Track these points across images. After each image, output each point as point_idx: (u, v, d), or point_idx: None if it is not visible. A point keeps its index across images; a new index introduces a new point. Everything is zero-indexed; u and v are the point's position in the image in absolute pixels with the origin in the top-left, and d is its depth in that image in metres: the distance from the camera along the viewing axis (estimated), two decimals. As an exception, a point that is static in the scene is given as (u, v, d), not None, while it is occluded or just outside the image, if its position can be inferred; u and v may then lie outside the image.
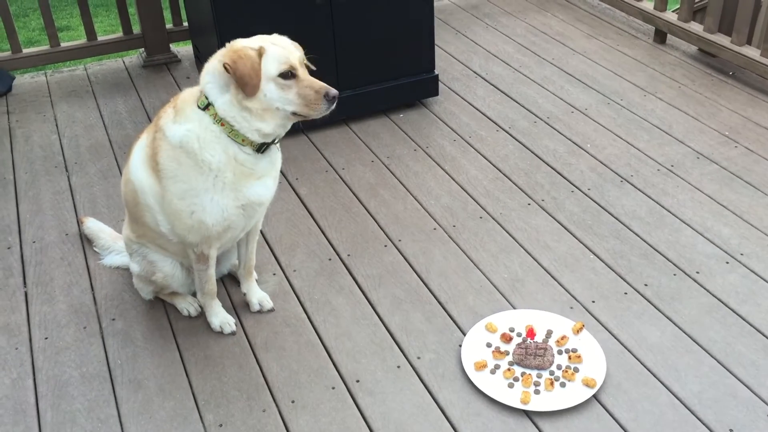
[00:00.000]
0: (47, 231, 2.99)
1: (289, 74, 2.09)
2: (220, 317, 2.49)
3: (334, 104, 2.13)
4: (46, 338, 2.49)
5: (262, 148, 2.19)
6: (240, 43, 2.12)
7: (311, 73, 2.20)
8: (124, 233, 2.55)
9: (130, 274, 2.57)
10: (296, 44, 2.21)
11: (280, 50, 2.09)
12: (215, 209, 2.19)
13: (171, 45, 4.37)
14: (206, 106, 2.14)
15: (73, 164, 3.42)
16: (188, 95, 2.21)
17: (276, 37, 2.17)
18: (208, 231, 2.24)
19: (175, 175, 2.18)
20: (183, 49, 4.47)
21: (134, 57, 4.45)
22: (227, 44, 2.14)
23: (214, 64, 2.13)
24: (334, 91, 2.11)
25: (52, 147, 3.57)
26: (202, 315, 2.54)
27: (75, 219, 3.04)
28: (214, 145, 2.14)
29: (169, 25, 4.33)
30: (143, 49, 4.34)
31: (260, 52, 2.07)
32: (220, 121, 2.13)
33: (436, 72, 3.74)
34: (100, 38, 4.26)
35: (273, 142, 2.22)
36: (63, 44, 4.21)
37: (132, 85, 4.12)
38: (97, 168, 3.38)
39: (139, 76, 4.21)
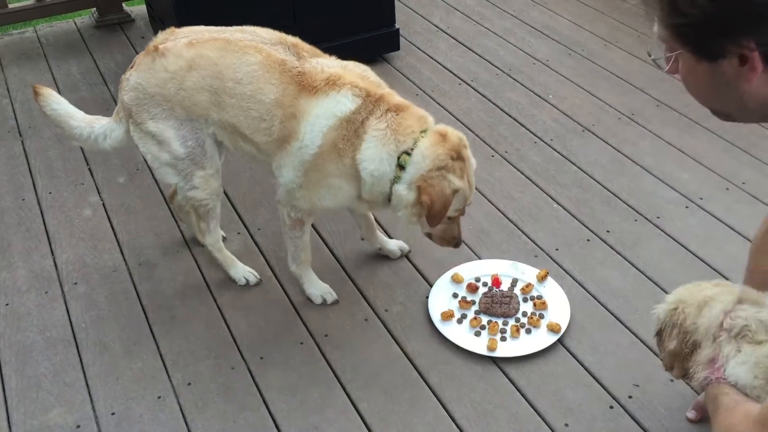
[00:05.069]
0: (2, 196, 2.91)
1: (452, 217, 2.17)
2: (319, 287, 2.41)
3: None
4: (7, 304, 2.44)
5: None
6: (451, 176, 2.06)
7: None
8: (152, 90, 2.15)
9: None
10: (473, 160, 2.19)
11: (465, 192, 2.11)
12: (337, 204, 2.24)
13: (124, 4, 4.24)
14: (400, 165, 2.09)
15: (27, 128, 3.33)
16: (416, 123, 2.14)
17: (469, 162, 2.13)
18: (316, 207, 2.25)
19: (332, 173, 2.13)
20: (136, 9, 4.34)
21: (86, 18, 4.31)
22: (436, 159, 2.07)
23: (426, 165, 2.06)
24: (461, 244, 2.28)
25: (4, 111, 3.46)
26: (169, 277, 2.51)
27: (31, 184, 2.97)
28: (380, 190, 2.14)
29: (121, -16, 4.21)
30: (95, 9, 4.21)
31: (454, 192, 2.08)
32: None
33: (397, 26, 3.69)
34: (50, -2, 4.12)
35: None
36: (11, 6, 4.06)
37: (85, 47, 4.00)
38: (52, 132, 3.29)
39: (92, 37, 4.09)
